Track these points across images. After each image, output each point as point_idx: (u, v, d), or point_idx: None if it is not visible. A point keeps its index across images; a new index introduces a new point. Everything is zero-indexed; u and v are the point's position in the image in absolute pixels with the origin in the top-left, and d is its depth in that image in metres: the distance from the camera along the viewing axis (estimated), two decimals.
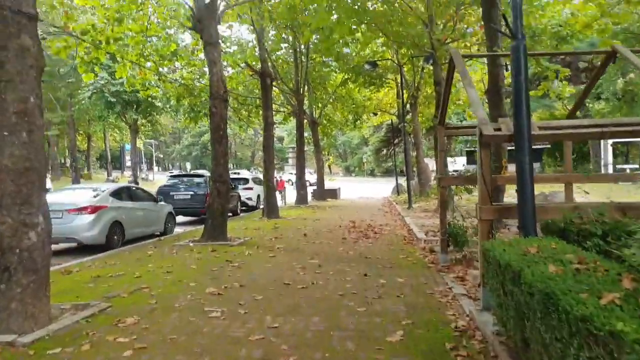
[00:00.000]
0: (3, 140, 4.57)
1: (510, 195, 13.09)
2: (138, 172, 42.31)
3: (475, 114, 4.92)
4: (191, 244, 10.64)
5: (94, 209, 10.31)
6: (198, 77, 21.43)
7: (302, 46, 22.30)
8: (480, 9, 13.11)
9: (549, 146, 32.16)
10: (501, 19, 10.24)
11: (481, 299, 5.17)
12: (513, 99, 4.51)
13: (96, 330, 4.71)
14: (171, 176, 20.33)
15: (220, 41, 17.48)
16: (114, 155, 58.90)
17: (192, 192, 17.38)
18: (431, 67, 19.14)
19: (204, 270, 7.84)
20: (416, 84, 23.54)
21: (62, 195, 11.35)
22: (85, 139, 49.64)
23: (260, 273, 7.58)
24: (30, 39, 4.68)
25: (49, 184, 25.16)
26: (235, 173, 30.54)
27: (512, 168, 5.31)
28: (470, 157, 34.43)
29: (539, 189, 10.79)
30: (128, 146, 45.59)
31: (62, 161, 53.77)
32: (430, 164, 31.51)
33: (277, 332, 4.71)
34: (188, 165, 73.96)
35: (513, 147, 4.79)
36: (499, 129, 4.85)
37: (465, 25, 16.55)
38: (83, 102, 30.53)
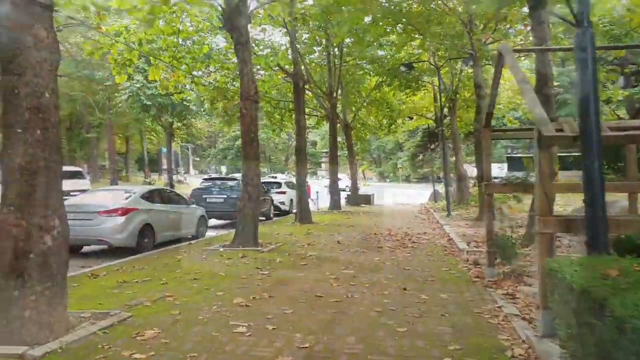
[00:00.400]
0: (16, 137, 4.28)
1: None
2: (175, 175, 42.65)
3: (532, 113, 4.36)
4: (221, 249, 10.32)
5: (125, 212, 10.11)
6: (231, 79, 21.29)
7: (336, 49, 21.90)
8: (524, 8, 12.38)
9: None
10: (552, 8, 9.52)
11: (541, 324, 4.56)
12: (578, 95, 3.92)
13: (112, 343, 4.35)
14: (204, 179, 20.23)
15: (253, 44, 17.36)
16: (152, 158, 59.88)
17: (225, 196, 17.17)
18: (470, 70, 18.43)
19: (232, 277, 7.46)
20: (454, 87, 22.75)
21: (93, 197, 11.24)
22: (124, 142, 50.59)
23: (290, 283, 7.15)
24: (44, 30, 4.38)
25: (87, 185, 25.50)
26: (272, 177, 30.40)
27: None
28: (512, 163, 33.24)
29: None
30: (165, 149, 46.17)
31: (102, 163, 54.98)
32: (469, 170, 30.52)
33: (308, 353, 4.24)
34: (223, 169, 74.54)
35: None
36: (561, 130, 4.26)
37: (508, 25, 15.79)
38: (120, 105, 30.97)
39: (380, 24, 14.14)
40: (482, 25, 15.82)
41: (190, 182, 51.36)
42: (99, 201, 10.54)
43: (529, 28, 13.75)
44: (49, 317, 4.31)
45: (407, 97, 27.57)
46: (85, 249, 10.75)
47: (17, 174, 4.28)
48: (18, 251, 4.24)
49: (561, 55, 15.53)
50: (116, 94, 30.79)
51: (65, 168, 28.72)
